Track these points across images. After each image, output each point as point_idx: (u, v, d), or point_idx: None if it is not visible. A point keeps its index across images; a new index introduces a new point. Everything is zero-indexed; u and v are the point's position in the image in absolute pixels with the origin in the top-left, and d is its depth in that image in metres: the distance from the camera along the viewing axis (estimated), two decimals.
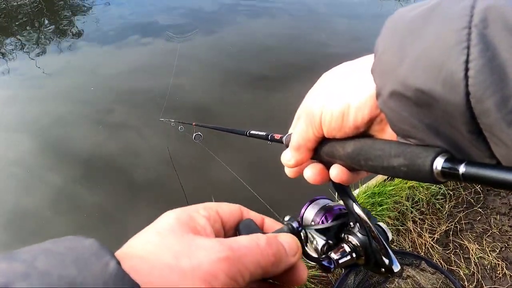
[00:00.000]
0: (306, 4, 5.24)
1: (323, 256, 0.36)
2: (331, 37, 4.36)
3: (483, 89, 0.19)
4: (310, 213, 0.43)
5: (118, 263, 0.20)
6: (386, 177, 2.03)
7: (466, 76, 0.20)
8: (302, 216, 0.43)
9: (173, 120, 2.27)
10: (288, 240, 0.28)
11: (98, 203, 2.54)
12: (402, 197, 1.96)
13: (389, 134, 0.29)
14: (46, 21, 4.99)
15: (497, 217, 1.98)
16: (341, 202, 0.40)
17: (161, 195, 2.56)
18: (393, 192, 1.95)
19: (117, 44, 4.42)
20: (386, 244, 0.35)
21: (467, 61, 0.20)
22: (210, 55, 4.13)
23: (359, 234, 0.36)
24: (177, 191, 2.48)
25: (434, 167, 0.23)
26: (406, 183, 1.98)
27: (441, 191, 2.07)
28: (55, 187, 2.65)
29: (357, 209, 0.36)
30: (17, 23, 4.93)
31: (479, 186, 2.16)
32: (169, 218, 0.26)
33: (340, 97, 0.30)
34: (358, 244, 0.36)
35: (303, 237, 0.34)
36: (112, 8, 5.27)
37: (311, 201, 0.44)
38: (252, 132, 0.75)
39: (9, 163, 2.84)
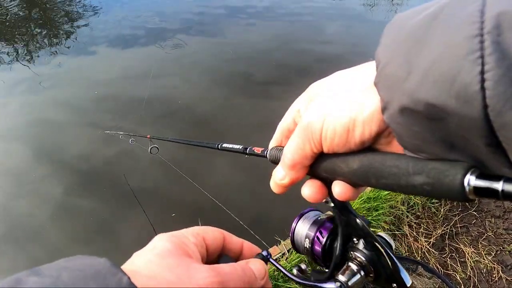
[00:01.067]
0: (302, 10, 5.28)
1: (326, 279, 0.35)
2: (327, 41, 4.40)
3: (503, 101, 0.18)
4: (302, 228, 0.41)
5: (129, 278, 0.24)
6: None
7: (483, 88, 0.19)
8: (294, 231, 0.42)
9: (121, 133, 2.19)
10: (258, 267, 0.32)
11: (93, 211, 2.51)
12: (397, 201, 1.96)
13: (395, 147, 0.27)
14: (40, 28, 4.97)
15: (492, 220, 1.99)
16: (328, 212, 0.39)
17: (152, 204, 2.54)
18: (388, 197, 1.95)
19: (110, 50, 4.42)
20: (394, 258, 0.34)
21: (482, 72, 0.19)
22: (205, 60, 4.14)
23: (365, 250, 0.35)
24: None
25: (465, 185, 0.22)
26: None
27: None
28: (48, 195, 2.62)
29: (361, 225, 0.35)
30: (11, 30, 4.89)
31: None
32: (165, 242, 0.29)
33: (343, 111, 0.28)
34: (365, 261, 0.34)
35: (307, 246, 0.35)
36: (106, 15, 5.26)
37: (301, 215, 0.42)
38: (225, 145, 0.66)
39: (1, 172, 2.81)
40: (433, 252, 1.83)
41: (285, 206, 2.16)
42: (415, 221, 1.95)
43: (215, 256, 0.34)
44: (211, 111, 3.34)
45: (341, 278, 0.34)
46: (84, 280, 0.23)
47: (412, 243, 1.86)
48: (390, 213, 1.93)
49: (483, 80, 0.18)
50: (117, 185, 2.67)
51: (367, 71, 0.29)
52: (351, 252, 0.36)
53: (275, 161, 0.37)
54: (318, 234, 0.39)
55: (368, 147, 0.29)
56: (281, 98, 3.41)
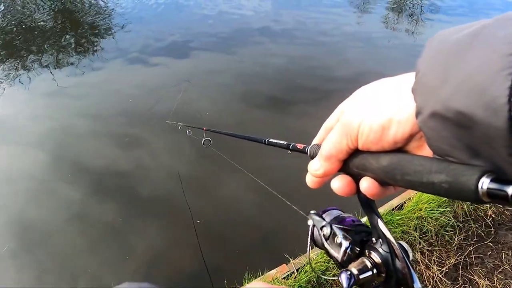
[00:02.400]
0: (321, 32, 5.37)
1: (342, 267, 0.36)
2: (344, 64, 4.45)
3: None
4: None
5: None
6: (394, 205, 2.01)
7: (510, 101, 0.20)
8: (314, 225, 0.43)
9: (181, 124, 2.29)
10: None
11: (107, 218, 2.57)
12: (410, 227, 1.94)
13: (426, 151, 0.29)
14: (68, 40, 5.21)
15: (509, 253, 1.93)
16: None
17: (168, 212, 2.58)
18: (401, 222, 1.93)
19: (133, 62, 4.58)
20: (409, 263, 0.34)
21: (511, 87, 0.20)
22: (225, 75, 4.24)
23: (381, 251, 0.35)
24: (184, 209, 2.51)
25: (479, 186, 0.23)
26: (414, 213, 1.96)
27: (451, 223, 2.04)
28: (66, 200, 2.70)
29: (381, 225, 0.36)
30: (41, 40, 5.16)
31: (490, 219, 2.12)
32: None
33: (382, 111, 0.30)
34: (380, 261, 0.35)
35: (324, 233, 0.36)
36: (129, 29, 5.48)
37: (324, 211, 0.43)
38: (271, 140, 0.72)
39: (23, 177, 2.92)
40: (445, 282, 1.78)
41: (295, 225, 2.17)
42: (427, 248, 1.92)
43: None
44: (231, 124, 3.41)
45: (353, 270, 0.35)
46: None
47: (424, 271, 1.82)
48: (402, 238, 1.90)
49: (510, 94, 0.20)
50: (135, 194, 2.74)
51: (407, 79, 0.31)
52: (368, 250, 0.36)
53: (314, 157, 0.39)
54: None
55: (400, 148, 0.31)
56: (298, 116, 3.47)
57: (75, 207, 2.65)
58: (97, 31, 5.51)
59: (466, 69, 0.23)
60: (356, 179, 0.35)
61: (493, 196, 0.23)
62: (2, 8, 6.07)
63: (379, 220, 0.36)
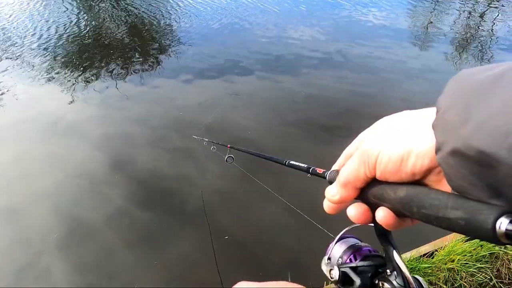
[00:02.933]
0: (375, 61, 5.28)
1: None
2: (396, 98, 4.31)
3: None
4: (338, 250, 0.42)
5: None
6: (423, 252, 1.87)
7: None
8: (330, 252, 0.43)
9: (206, 139, 2.36)
10: None
11: (147, 224, 2.73)
12: (439, 278, 1.78)
13: (444, 186, 0.29)
14: (134, 54, 5.75)
15: None
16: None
17: (199, 226, 2.66)
18: (429, 271, 1.79)
19: (191, 79, 4.90)
20: None
21: None
22: (273, 98, 4.36)
23: (395, 283, 0.35)
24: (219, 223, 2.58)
25: (497, 226, 0.23)
26: (445, 264, 1.80)
27: (492, 283, 1.83)
28: (111, 202, 2.92)
29: (397, 257, 0.35)
30: (112, 52, 5.77)
31: None
32: None
33: (401, 141, 0.31)
34: None
35: (333, 276, 0.37)
36: (192, 49, 5.89)
37: (340, 238, 0.43)
38: (292, 162, 0.73)
39: (77, 174, 3.23)
40: None
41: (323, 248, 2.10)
42: None
43: None
44: (272, 147, 3.48)
45: None
46: None
47: None
48: None
49: None
50: (181, 201, 2.90)
51: (428, 114, 0.31)
52: (381, 282, 0.36)
53: (333, 182, 0.40)
54: (351, 257, 0.40)
55: (418, 181, 0.31)
56: (341, 147, 3.39)
57: (117, 209, 2.86)
58: (160, 47, 6.00)
59: (489, 109, 0.23)
60: (373, 208, 0.35)
61: None
62: (83, 22, 6.92)
63: (394, 252, 0.35)
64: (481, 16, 7.32)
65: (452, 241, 1.89)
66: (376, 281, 0.36)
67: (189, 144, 3.49)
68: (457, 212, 0.25)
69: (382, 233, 0.36)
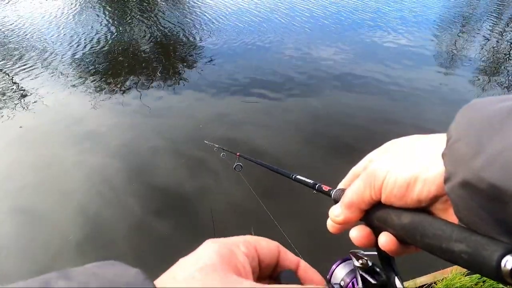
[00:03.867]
0: (399, 85, 5.25)
1: None
2: (418, 121, 4.27)
3: None
4: (340, 271, 0.41)
5: None
6: (418, 284, 1.83)
7: None
8: (332, 273, 0.42)
9: (217, 145, 2.37)
10: None
11: (163, 236, 2.83)
12: None
13: (451, 216, 0.28)
14: (159, 67, 6.01)
15: None
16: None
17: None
18: None
19: (213, 94, 5.05)
20: None
21: None
22: (295, 116, 4.45)
23: None
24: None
25: (502, 264, 0.22)
26: None
27: None
28: (131, 211, 3.06)
29: (398, 284, 0.34)
30: (139, 65, 6.06)
31: None
32: (212, 253, 0.27)
33: (409, 166, 0.30)
34: None
35: None
36: (215, 63, 6.09)
37: (343, 260, 0.42)
38: (298, 177, 0.71)
39: (100, 181, 3.39)
40: None
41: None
42: None
43: (270, 271, 0.32)
44: (290, 163, 3.54)
45: None
46: None
47: None
48: None
49: None
50: (197, 213, 3.00)
51: (439, 141, 0.30)
52: None
53: (337, 201, 0.39)
54: (354, 281, 0.39)
55: (424, 208, 0.30)
56: (353, 164, 3.37)
57: (134, 217, 2.98)
58: (184, 62, 6.24)
59: (501, 142, 0.22)
60: (376, 231, 0.34)
61: None
62: (112, 33, 7.32)
63: (396, 279, 0.34)
64: (510, 41, 7.11)
65: (451, 273, 1.84)
66: None
67: (206, 155, 3.60)
68: (461, 245, 0.25)
69: (384, 258, 0.35)
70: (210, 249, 0.28)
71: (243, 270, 0.27)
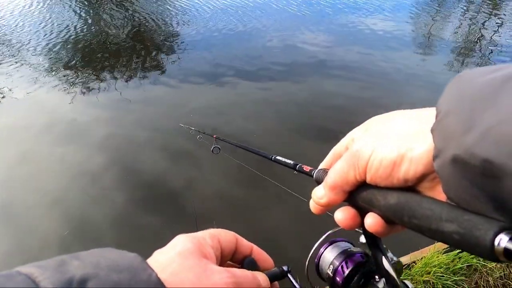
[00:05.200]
0: (378, 68, 5.31)
1: None
2: (400, 103, 4.33)
3: None
4: (329, 254, 0.41)
5: (157, 274, 0.27)
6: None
7: None
8: (321, 256, 0.42)
9: (193, 128, 2.34)
10: (263, 278, 0.35)
11: (151, 226, 2.79)
12: None
13: (438, 194, 0.27)
14: (136, 57, 5.84)
15: None
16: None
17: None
18: None
19: (192, 81, 4.97)
20: None
21: None
22: (275, 101, 4.43)
23: None
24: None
25: (496, 243, 0.21)
26: (421, 276, 1.82)
27: None
28: (116, 203, 3.00)
29: (386, 264, 0.34)
30: (116, 57, 5.87)
31: None
32: (186, 242, 0.32)
33: (395, 145, 0.29)
34: None
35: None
36: (193, 51, 5.96)
37: (331, 242, 0.42)
38: (278, 158, 0.71)
39: (83, 175, 3.30)
40: None
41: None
42: None
43: (230, 257, 0.36)
44: (271, 147, 3.54)
45: None
46: (119, 269, 0.25)
47: None
48: None
49: None
50: (179, 203, 2.96)
51: (426, 115, 0.29)
52: None
53: (320, 182, 0.38)
54: (343, 264, 0.39)
55: (410, 187, 0.29)
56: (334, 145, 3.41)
57: (119, 210, 2.93)
58: (162, 51, 6.09)
59: (495, 115, 0.21)
60: (362, 212, 0.33)
61: (511, 257, 0.21)
62: (86, 25, 7.05)
63: (383, 258, 0.34)
64: (483, 24, 7.30)
65: (429, 252, 1.91)
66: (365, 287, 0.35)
67: (185, 142, 3.56)
68: (452, 226, 0.24)
69: (371, 238, 0.35)
70: (183, 239, 0.32)
71: (211, 257, 0.32)
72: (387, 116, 0.33)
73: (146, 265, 0.27)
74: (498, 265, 1.95)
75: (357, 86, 4.77)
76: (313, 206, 0.37)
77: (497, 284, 1.91)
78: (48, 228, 2.80)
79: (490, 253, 0.21)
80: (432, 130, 0.26)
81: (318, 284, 0.46)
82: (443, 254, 1.91)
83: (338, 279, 0.39)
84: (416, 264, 1.89)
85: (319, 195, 0.35)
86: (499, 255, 0.21)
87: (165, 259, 0.30)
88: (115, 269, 0.25)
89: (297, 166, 0.55)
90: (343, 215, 0.34)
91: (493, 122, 0.21)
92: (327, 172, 0.36)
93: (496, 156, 0.20)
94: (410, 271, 1.87)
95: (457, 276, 1.84)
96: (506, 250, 0.21)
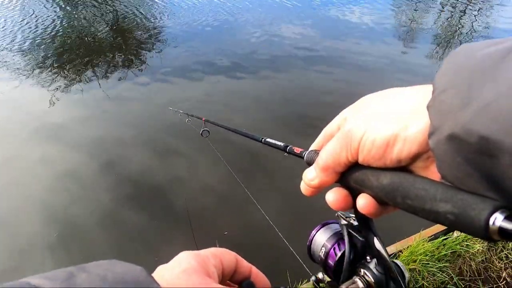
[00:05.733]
0: (362, 58, 5.34)
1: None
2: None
3: None
4: (321, 236, 0.41)
5: None
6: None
7: None
8: (312, 238, 0.41)
9: (181, 111, 2.31)
10: None
11: (139, 225, 2.76)
12: None
13: (432, 174, 0.27)
14: (118, 53, 5.71)
15: None
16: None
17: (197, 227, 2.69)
18: None
19: (176, 75, 4.90)
20: (404, 286, 0.33)
21: None
22: (261, 93, 4.44)
23: (375, 271, 0.34)
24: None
25: (490, 222, 0.21)
26: (407, 264, 1.86)
27: (453, 281, 1.90)
28: (103, 203, 2.94)
29: (378, 245, 0.34)
30: (96, 53, 5.71)
31: (504, 282, 1.94)
32: (191, 259, 0.32)
33: (388, 124, 0.28)
34: (373, 281, 0.34)
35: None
36: (176, 45, 5.86)
37: (323, 224, 0.42)
38: (268, 140, 0.70)
39: (66, 176, 3.23)
40: None
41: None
42: None
43: (229, 277, 0.37)
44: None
45: None
46: (125, 283, 0.25)
47: None
48: None
49: None
50: (169, 200, 2.94)
51: (422, 93, 0.28)
52: (361, 269, 0.35)
53: (311, 163, 0.37)
54: (336, 246, 0.39)
55: (403, 167, 0.28)
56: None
57: (105, 209, 2.88)
58: (144, 45, 5.97)
59: (494, 90, 0.20)
60: (354, 193, 0.33)
61: (506, 235, 0.21)
62: (64, 20, 6.84)
63: (375, 239, 0.34)
64: (463, 12, 7.42)
65: (415, 240, 1.95)
66: (356, 268, 0.36)
67: (176, 140, 3.53)
68: (446, 206, 0.23)
69: (362, 219, 0.35)
70: (188, 256, 0.32)
71: (213, 276, 0.32)
72: (380, 94, 0.32)
73: (152, 279, 0.27)
74: (480, 250, 2.02)
75: (341, 76, 4.82)
76: (304, 188, 0.36)
77: (479, 268, 1.98)
78: (35, 231, 2.73)
79: (485, 233, 0.21)
80: (428, 107, 0.25)
81: None
82: (428, 242, 1.96)
83: (330, 261, 0.39)
84: (402, 253, 1.93)
85: (310, 177, 0.34)
86: (494, 234, 0.21)
87: (170, 276, 0.30)
88: (121, 282, 0.25)
89: (288, 148, 0.55)
90: (334, 196, 0.33)
91: (492, 97, 0.20)
92: (318, 153, 0.35)
93: (493, 133, 0.20)
94: (397, 260, 1.90)
95: (442, 263, 1.89)
96: (500, 229, 0.21)
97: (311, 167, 0.35)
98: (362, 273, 0.35)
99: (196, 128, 2.01)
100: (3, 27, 6.44)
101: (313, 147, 0.40)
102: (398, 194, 0.27)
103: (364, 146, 0.29)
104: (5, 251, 2.61)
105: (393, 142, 0.27)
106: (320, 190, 0.35)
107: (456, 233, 2.09)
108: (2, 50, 5.65)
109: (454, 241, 1.99)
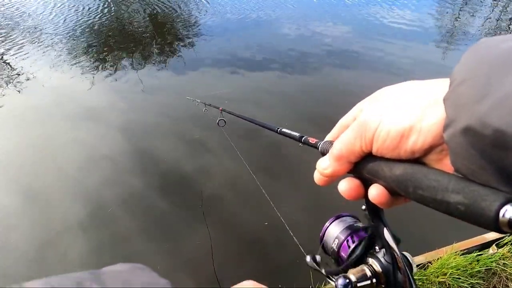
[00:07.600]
0: (398, 61, 5.18)
1: (340, 273, 0.36)
2: None
3: None
4: (334, 229, 0.41)
5: None
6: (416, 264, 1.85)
7: None
8: (326, 230, 0.42)
9: (198, 100, 2.33)
10: None
11: (164, 214, 2.81)
12: None
13: (445, 166, 0.27)
14: (154, 45, 5.86)
15: None
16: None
17: (222, 218, 2.74)
18: (419, 283, 1.77)
19: (208, 71, 4.97)
20: (411, 277, 0.33)
21: None
22: (290, 91, 4.40)
23: (383, 260, 0.34)
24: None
25: (501, 214, 0.21)
26: (437, 277, 1.78)
27: None
28: (131, 188, 3.04)
29: (387, 235, 0.34)
30: (134, 43, 5.90)
31: None
32: None
33: (403, 116, 0.28)
34: (381, 271, 0.34)
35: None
36: (210, 39, 5.94)
37: (337, 217, 0.42)
38: (284, 130, 0.70)
39: (101, 157, 3.37)
40: None
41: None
42: None
43: None
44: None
45: (352, 277, 0.34)
46: None
47: None
48: None
49: None
50: (192, 193, 2.98)
51: (439, 86, 0.28)
52: (370, 258, 0.35)
53: (325, 154, 0.38)
54: (349, 239, 0.39)
55: (417, 159, 0.28)
56: None
57: (135, 194, 2.97)
58: (180, 38, 6.09)
59: None
60: (366, 184, 0.33)
61: None
62: (106, 10, 7.10)
63: (385, 229, 0.34)
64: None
65: (446, 253, 1.87)
66: (365, 257, 0.36)
67: (206, 133, 3.58)
68: (458, 197, 0.23)
69: (373, 210, 0.35)
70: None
71: None
72: (397, 86, 0.32)
73: None
74: None
75: (374, 80, 4.66)
76: (318, 177, 0.36)
77: None
78: (68, 209, 2.86)
79: (495, 224, 0.21)
80: (445, 99, 0.25)
81: None
82: (460, 255, 1.86)
83: (343, 254, 0.39)
84: (431, 264, 1.85)
85: (324, 166, 0.35)
86: (503, 226, 0.21)
87: None
88: None
89: (303, 138, 0.56)
90: (347, 186, 0.34)
91: (509, 90, 0.20)
92: (332, 143, 0.35)
93: (509, 126, 0.19)
94: (425, 271, 1.83)
95: (475, 279, 1.79)
96: (510, 221, 0.21)
97: (325, 157, 0.35)
98: (370, 262, 0.35)
99: (213, 118, 2.02)
100: (48, 15, 6.78)
101: (328, 138, 0.40)
102: (410, 185, 0.27)
103: (378, 137, 0.29)
104: (38, 225, 2.75)
105: (408, 133, 0.27)
106: (334, 180, 0.36)
107: (492, 250, 1.97)
108: (48, 37, 5.95)
109: (489, 258, 1.88)
